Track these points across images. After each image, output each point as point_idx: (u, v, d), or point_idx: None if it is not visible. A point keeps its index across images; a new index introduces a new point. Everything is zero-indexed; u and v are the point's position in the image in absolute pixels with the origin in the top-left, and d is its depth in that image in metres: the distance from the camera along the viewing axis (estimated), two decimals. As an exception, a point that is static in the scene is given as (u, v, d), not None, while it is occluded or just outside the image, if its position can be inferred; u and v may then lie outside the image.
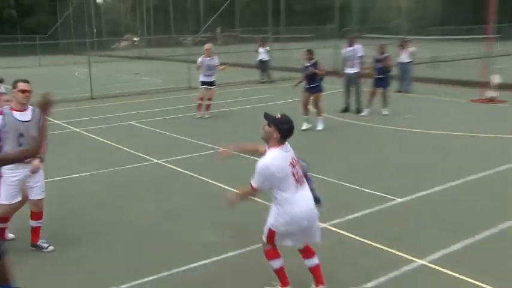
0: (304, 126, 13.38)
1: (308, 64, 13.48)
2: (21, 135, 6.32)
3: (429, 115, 15.27)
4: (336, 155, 11.46)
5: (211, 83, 15.75)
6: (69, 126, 14.97)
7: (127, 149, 11.98)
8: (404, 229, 7.22)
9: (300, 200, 5.19)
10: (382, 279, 5.80)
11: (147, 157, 11.18)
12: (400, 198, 8.34)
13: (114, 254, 6.73)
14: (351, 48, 15.50)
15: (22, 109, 6.42)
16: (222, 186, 8.97)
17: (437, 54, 31.44)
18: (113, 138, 13.16)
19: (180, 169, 10.27)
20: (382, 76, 15.45)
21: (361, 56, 15.57)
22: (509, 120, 14.38)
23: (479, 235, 6.86)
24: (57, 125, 14.82)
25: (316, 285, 5.49)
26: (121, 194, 9.07)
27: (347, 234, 7.00)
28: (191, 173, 9.96)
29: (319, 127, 13.70)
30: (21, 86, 6.42)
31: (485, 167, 9.93)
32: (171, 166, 10.54)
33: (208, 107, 15.88)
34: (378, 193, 8.59)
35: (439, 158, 10.87)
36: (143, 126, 14.82)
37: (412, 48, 20.54)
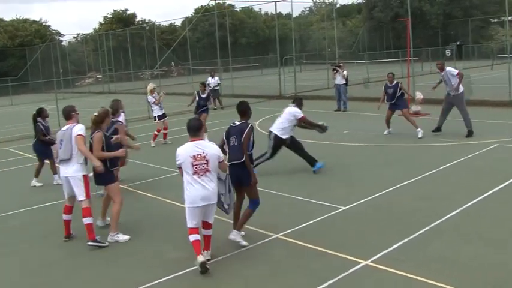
0: None
1: (203, 95, 16.07)
2: None
3: (366, 130, 15.31)
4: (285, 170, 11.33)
5: (164, 115, 15.85)
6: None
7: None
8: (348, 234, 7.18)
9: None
10: (332, 281, 5.71)
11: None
12: (344, 206, 8.29)
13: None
14: (443, 72, 13.46)
15: None
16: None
17: (366, 76, 32.01)
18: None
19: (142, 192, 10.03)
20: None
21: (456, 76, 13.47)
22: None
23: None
24: (29, 158, 14.33)
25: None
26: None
27: (297, 242, 6.89)
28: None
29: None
30: None
31: (418, 173, 10.00)
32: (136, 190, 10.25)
33: (165, 135, 15.91)
34: (325, 203, 8.51)
35: (376, 168, 10.91)
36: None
37: (345, 72, 20.77)
